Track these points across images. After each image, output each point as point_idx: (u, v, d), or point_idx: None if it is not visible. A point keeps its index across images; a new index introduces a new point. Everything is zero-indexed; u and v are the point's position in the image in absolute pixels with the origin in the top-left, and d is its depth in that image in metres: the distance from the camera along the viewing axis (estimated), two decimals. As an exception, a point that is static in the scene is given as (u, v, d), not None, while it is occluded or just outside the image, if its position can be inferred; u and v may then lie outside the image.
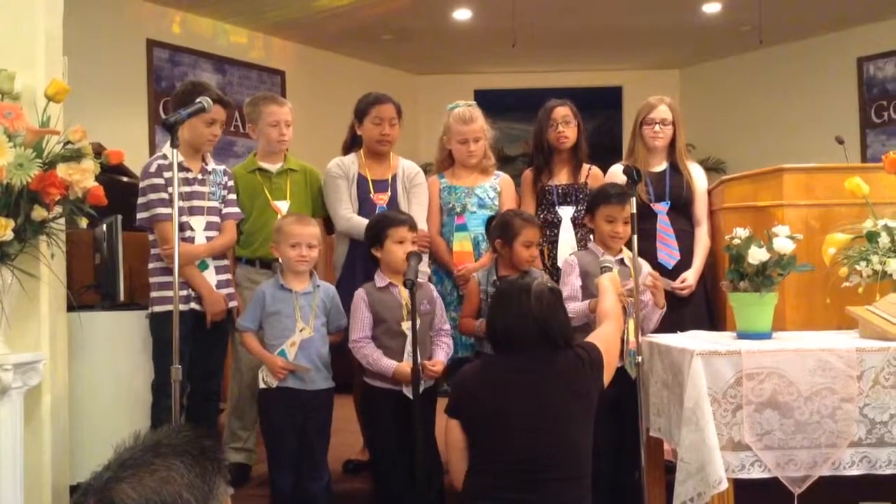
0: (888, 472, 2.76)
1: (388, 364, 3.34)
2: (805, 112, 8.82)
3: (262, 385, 3.42)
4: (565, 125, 4.05)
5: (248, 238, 3.87)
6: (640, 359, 3.15)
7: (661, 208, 3.96)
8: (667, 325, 3.62)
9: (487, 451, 2.73)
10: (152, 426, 3.40)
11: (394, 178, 3.97)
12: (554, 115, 4.06)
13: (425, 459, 3.15)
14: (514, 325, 2.78)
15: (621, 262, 3.55)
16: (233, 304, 3.68)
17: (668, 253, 3.94)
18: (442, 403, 3.65)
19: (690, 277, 3.89)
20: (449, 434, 2.85)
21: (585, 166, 4.13)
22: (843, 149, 5.33)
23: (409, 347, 3.35)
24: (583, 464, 2.72)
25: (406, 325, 3.37)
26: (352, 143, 4.09)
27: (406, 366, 3.30)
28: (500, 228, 3.66)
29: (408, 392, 3.31)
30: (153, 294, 3.54)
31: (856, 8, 8.01)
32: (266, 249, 3.80)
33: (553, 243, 3.99)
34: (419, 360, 3.07)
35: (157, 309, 3.51)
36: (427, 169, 7.11)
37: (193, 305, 3.50)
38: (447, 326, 3.58)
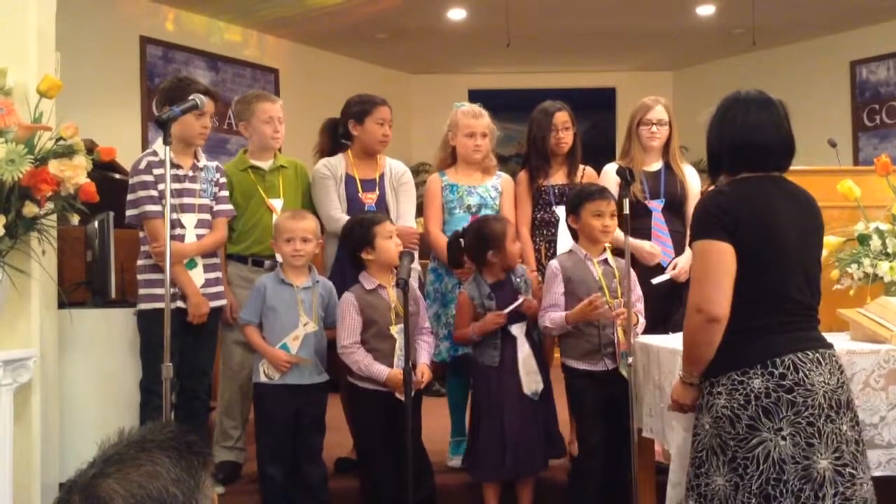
0: (877, 473, 2.77)
1: (380, 370, 3.33)
2: (797, 115, 8.67)
3: (263, 378, 3.42)
4: (565, 131, 4.07)
5: (241, 236, 3.86)
6: (631, 360, 3.16)
7: (656, 205, 3.98)
8: (660, 323, 3.64)
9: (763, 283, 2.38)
10: (142, 425, 3.39)
11: (381, 177, 3.98)
12: (555, 120, 4.06)
13: (414, 460, 3.15)
14: (771, 136, 2.44)
15: (605, 262, 3.55)
16: (221, 302, 3.67)
17: (663, 251, 3.95)
18: (429, 403, 3.66)
19: (682, 262, 3.90)
20: (720, 257, 2.36)
21: (580, 167, 4.15)
22: (835, 152, 5.34)
23: (399, 351, 3.36)
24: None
25: (395, 329, 3.37)
26: (334, 146, 4.08)
27: (398, 373, 3.30)
28: (484, 239, 3.55)
29: (400, 396, 3.29)
30: (141, 291, 3.53)
31: (849, 11, 8.04)
32: (258, 247, 3.80)
33: (551, 242, 4.01)
34: (409, 361, 3.07)
35: (144, 306, 3.50)
36: (421, 168, 7.11)
37: (179, 304, 3.47)
38: (427, 325, 3.60)
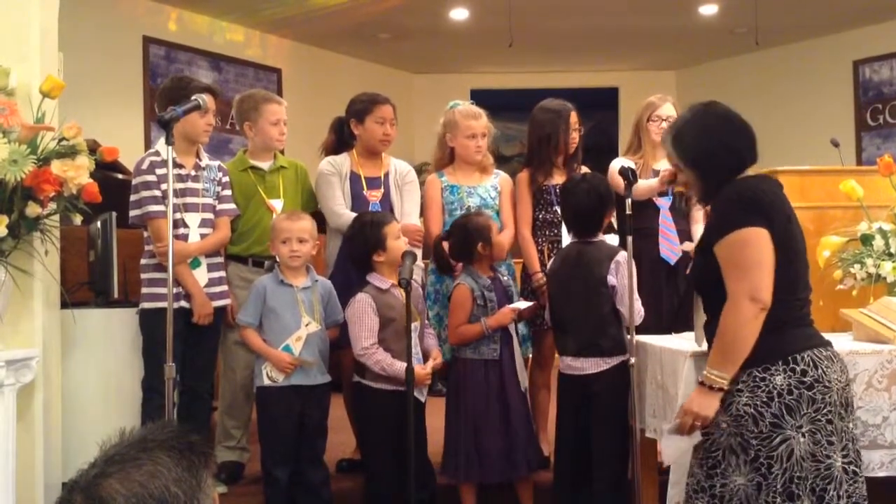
0: (881, 474, 2.77)
1: (402, 367, 3.27)
2: (800, 114, 8.83)
3: (266, 381, 3.41)
4: (575, 131, 4.07)
5: (241, 236, 3.86)
6: (632, 360, 3.16)
7: (664, 203, 3.97)
8: (663, 324, 3.64)
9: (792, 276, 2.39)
10: (143, 424, 3.39)
11: (386, 175, 3.97)
12: (570, 120, 4.06)
13: (418, 460, 3.16)
14: (746, 146, 2.51)
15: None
16: (225, 302, 3.67)
17: (670, 248, 3.94)
18: (433, 403, 3.65)
19: (691, 247, 3.90)
20: (762, 241, 2.34)
21: (580, 167, 4.14)
22: (838, 151, 5.33)
23: (415, 348, 3.37)
24: None
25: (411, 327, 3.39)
26: (339, 145, 4.08)
27: (420, 369, 3.32)
28: (471, 233, 3.56)
29: (419, 395, 3.36)
30: (143, 290, 3.53)
31: (852, 11, 8.03)
32: (258, 248, 3.80)
33: (554, 242, 3.99)
34: (421, 359, 3.10)
35: (147, 305, 3.50)
36: (423, 168, 7.10)
37: (183, 303, 3.47)
38: (427, 321, 3.66)
